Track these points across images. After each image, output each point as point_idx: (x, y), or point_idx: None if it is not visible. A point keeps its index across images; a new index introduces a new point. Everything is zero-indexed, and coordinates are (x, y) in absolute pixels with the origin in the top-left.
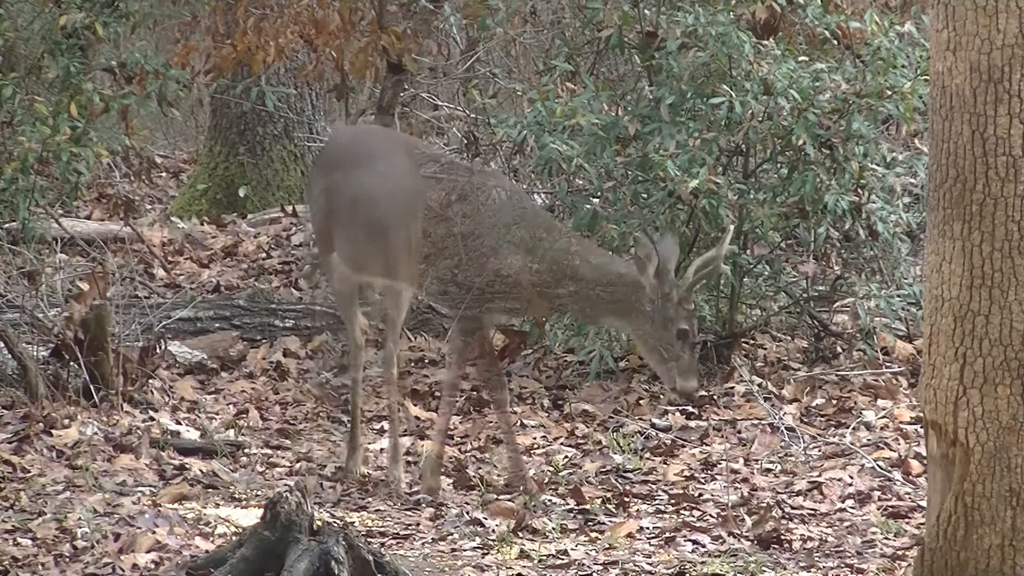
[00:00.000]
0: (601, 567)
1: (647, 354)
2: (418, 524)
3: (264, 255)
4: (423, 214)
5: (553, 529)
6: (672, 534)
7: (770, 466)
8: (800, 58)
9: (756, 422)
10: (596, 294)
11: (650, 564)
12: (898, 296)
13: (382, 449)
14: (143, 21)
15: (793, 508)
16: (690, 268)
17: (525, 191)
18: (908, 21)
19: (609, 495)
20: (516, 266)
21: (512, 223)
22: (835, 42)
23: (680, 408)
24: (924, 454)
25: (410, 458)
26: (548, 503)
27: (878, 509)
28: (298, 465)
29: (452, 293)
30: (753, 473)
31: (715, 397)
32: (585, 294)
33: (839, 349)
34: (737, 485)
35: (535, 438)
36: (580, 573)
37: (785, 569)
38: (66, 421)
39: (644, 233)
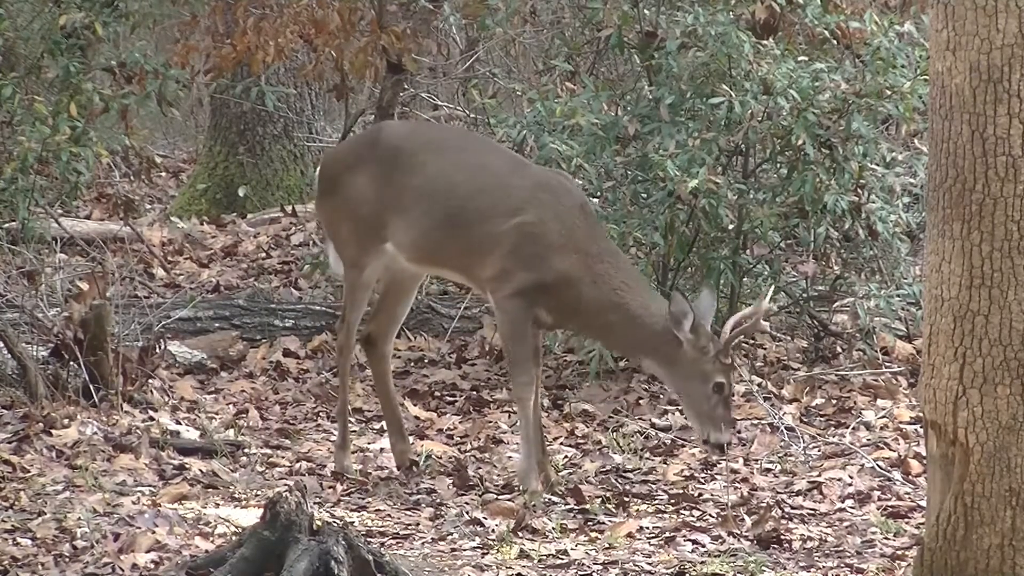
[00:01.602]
0: (601, 567)
1: (682, 403)
2: (418, 524)
3: (264, 255)
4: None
5: (553, 529)
6: (672, 534)
7: (770, 466)
8: (800, 58)
9: (756, 422)
10: (637, 336)
11: (650, 564)
12: (898, 296)
13: (382, 449)
14: (143, 21)
15: (793, 508)
16: (727, 323)
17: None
18: (908, 21)
19: (609, 495)
20: (577, 273)
21: (582, 234)
22: (835, 42)
23: (680, 408)
24: (924, 454)
25: (412, 456)
26: (548, 503)
27: (878, 509)
28: (298, 465)
29: (510, 281)
30: (753, 473)
31: None
32: (625, 332)
33: (839, 349)
34: (737, 485)
35: None
36: (580, 573)
37: (785, 569)
38: (66, 421)
39: (678, 291)
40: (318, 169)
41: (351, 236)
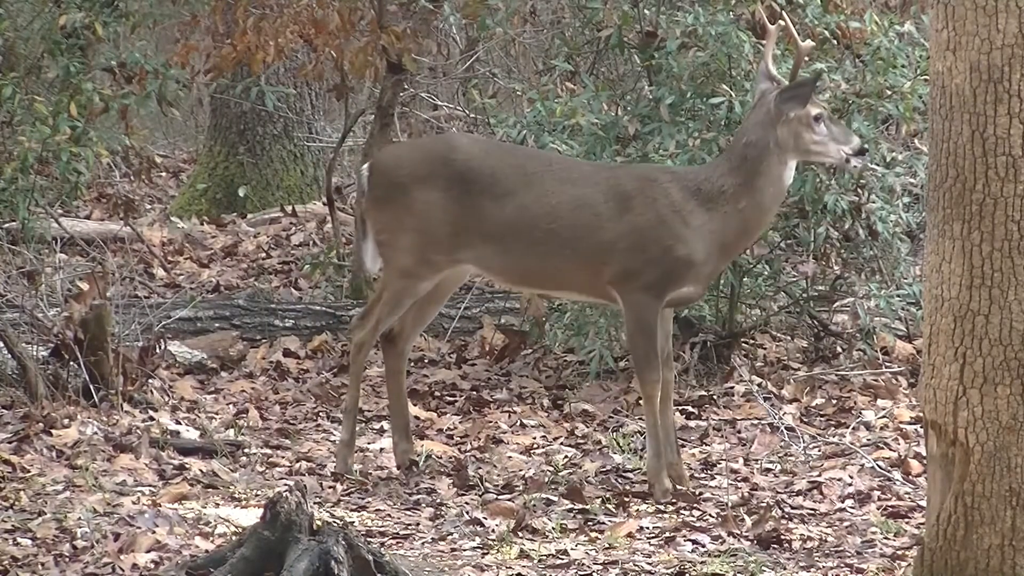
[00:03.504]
0: (601, 567)
1: (815, 158)
2: (418, 524)
3: (264, 255)
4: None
5: (553, 529)
6: (672, 534)
7: (770, 466)
8: None
9: (756, 422)
10: (754, 178)
11: (650, 564)
12: (898, 296)
13: (382, 449)
14: (143, 21)
15: (793, 508)
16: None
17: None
18: (908, 21)
19: (609, 495)
20: (699, 245)
21: (681, 203)
22: (835, 42)
23: (680, 408)
24: (924, 454)
25: (413, 457)
26: (548, 503)
27: (878, 509)
28: (298, 465)
29: (636, 279)
30: (753, 473)
31: (715, 397)
32: (754, 192)
33: (839, 349)
34: (737, 485)
35: (535, 438)
36: (580, 573)
37: (785, 569)
38: (66, 421)
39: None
40: (371, 169)
41: (413, 248)
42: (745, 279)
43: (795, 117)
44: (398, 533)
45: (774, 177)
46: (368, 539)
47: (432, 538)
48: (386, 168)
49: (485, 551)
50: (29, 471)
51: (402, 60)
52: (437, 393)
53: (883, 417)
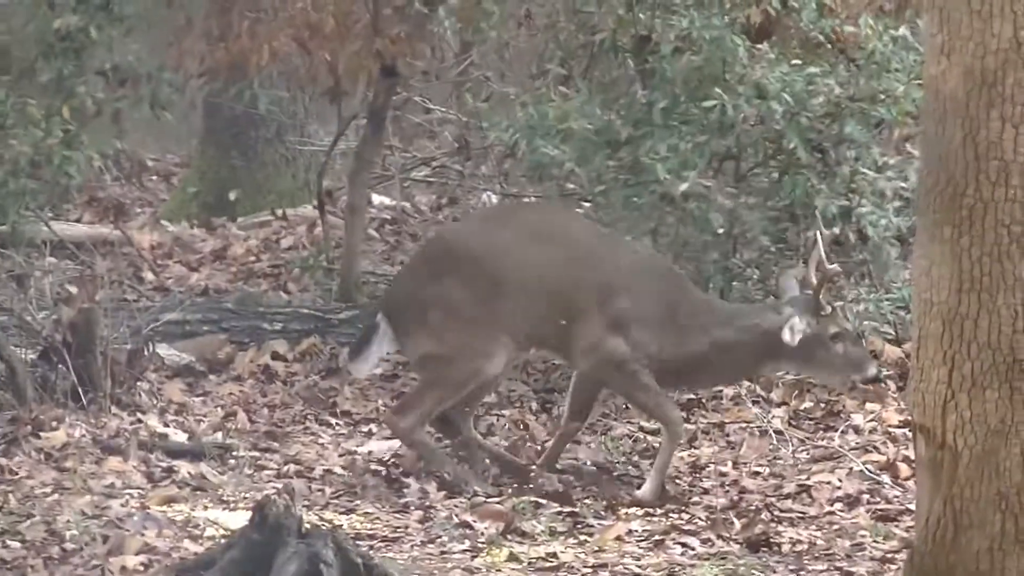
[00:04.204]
0: (590, 570)
1: (820, 376)
2: (407, 527)
3: (253, 258)
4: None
5: (542, 532)
6: (661, 537)
7: (759, 469)
8: (793, 62)
9: (744, 425)
10: (746, 354)
11: (639, 567)
12: (887, 300)
13: (370, 452)
14: (137, 24)
15: (782, 511)
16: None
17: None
18: (903, 25)
19: (599, 498)
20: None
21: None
22: (829, 46)
23: None
24: (912, 457)
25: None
26: (537, 506)
27: (867, 512)
28: (287, 468)
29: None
30: (742, 476)
31: (703, 401)
32: (736, 356)
33: None
34: (726, 488)
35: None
36: None
37: (774, 572)
38: (54, 424)
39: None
40: (386, 314)
41: (464, 329)
42: (735, 283)
43: (813, 335)
44: (387, 536)
45: (761, 362)
46: (357, 542)
47: (421, 541)
48: (399, 296)
49: (474, 554)
50: (17, 473)
51: (396, 64)
52: None
53: (872, 421)
